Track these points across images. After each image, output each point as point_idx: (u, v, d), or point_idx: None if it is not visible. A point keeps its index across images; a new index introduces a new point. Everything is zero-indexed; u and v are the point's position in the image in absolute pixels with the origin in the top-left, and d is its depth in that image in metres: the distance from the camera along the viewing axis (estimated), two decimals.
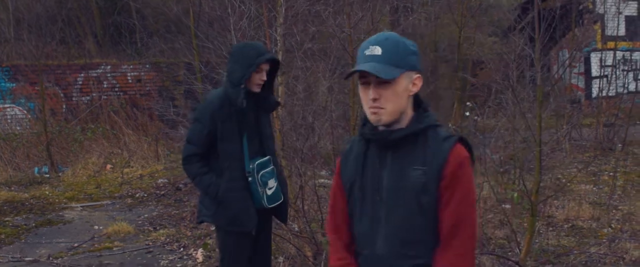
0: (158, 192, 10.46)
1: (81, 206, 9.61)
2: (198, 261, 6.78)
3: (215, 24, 8.17)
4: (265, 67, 4.07)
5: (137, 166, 12.44)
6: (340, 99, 7.65)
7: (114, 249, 7.34)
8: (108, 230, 8.00)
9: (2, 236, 8.02)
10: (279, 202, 4.27)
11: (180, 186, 10.58)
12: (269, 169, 4.18)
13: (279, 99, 7.35)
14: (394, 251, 2.38)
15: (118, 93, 17.49)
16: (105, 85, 17.25)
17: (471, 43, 13.75)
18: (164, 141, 14.05)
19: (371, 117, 2.35)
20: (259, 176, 4.11)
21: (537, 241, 6.53)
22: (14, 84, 16.29)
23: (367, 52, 2.32)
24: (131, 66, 17.69)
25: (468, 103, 13.99)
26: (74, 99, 16.83)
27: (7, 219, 8.97)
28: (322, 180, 7.94)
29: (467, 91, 13.90)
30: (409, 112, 2.40)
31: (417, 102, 2.45)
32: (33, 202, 9.96)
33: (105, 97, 16.86)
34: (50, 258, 7.06)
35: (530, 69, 7.51)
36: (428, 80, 13.79)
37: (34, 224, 8.60)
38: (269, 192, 4.16)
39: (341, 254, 2.58)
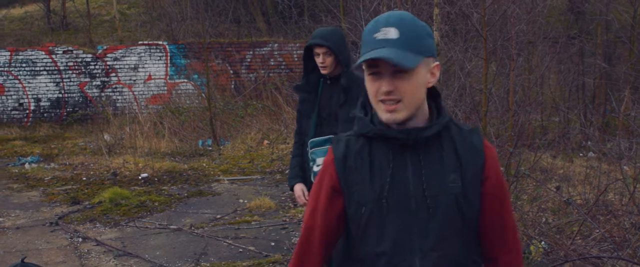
0: None
1: (228, 180, 10.02)
2: None
3: (361, 5, 8.13)
4: (319, 50, 4.19)
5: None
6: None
7: (252, 223, 7.58)
8: (251, 204, 8.27)
9: (157, 204, 8.55)
10: None
11: None
12: (324, 147, 4.30)
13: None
14: None
15: (285, 71, 18.03)
16: (271, 63, 17.85)
17: None
18: None
19: (385, 115, 1.97)
20: (310, 152, 4.34)
21: None
22: (188, 61, 17.29)
23: (379, 36, 1.93)
24: (297, 44, 18.13)
25: None
26: (241, 75, 17.58)
27: (164, 187, 9.57)
28: None
29: None
30: (425, 107, 2.03)
31: (432, 94, 2.08)
32: (190, 173, 10.54)
33: (271, 74, 17.44)
34: (192, 228, 7.42)
35: None
36: (596, 65, 12.88)
37: (186, 194, 9.10)
38: (316, 169, 4.31)
39: None
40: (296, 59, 18.13)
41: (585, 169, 8.51)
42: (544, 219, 6.26)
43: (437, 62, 2.04)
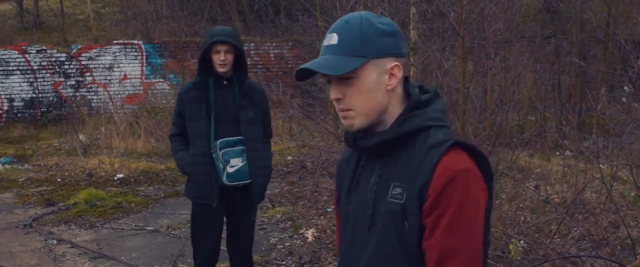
0: (285, 169, 10.60)
1: None
2: (307, 240, 6.77)
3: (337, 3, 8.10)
4: (221, 48, 4.18)
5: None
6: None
7: None
8: None
9: (133, 205, 8.45)
10: (243, 183, 4.39)
11: (307, 164, 10.65)
12: (236, 148, 4.34)
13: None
14: None
15: (261, 70, 17.95)
16: (248, 62, 17.70)
17: (625, 21, 12.72)
18: (299, 118, 14.23)
19: (343, 122, 1.88)
20: (221, 153, 4.30)
21: None
22: (164, 60, 17.14)
23: (325, 43, 1.84)
24: (274, 44, 18.06)
25: (625, 88, 13.01)
26: None
27: (140, 188, 9.46)
28: None
29: (618, 75, 12.90)
30: (396, 111, 1.87)
31: (410, 95, 1.90)
32: (167, 174, 10.43)
33: (248, 73, 17.33)
34: (169, 229, 7.34)
35: None
36: (572, 64, 12.96)
37: (162, 195, 9.00)
38: (231, 170, 4.33)
39: None
40: (273, 59, 18.07)
41: (563, 168, 8.54)
42: (522, 218, 6.27)
43: (396, 63, 1.85)
